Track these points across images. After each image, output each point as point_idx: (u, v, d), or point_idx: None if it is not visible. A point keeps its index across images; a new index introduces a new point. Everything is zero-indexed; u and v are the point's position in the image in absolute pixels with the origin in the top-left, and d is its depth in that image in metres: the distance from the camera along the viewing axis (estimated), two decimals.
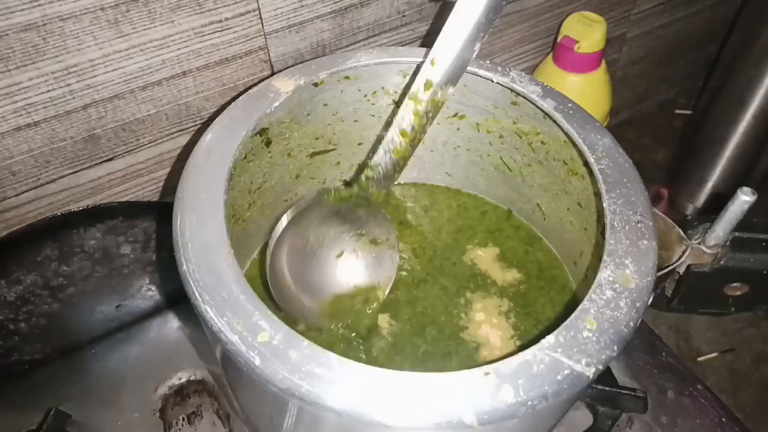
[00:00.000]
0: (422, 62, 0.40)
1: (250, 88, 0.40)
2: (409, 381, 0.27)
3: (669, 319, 0.74)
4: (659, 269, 0.33)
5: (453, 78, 0.37)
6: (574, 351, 0.28)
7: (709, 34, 0.89)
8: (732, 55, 0.71)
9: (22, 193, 0.45)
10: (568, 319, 0.29)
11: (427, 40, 0.58)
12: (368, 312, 0.41)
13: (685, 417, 0.49)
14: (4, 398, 0.48)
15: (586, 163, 0.38)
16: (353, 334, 0.41)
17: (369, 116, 0.47)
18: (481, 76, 0.41)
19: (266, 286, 0.40)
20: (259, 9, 0.45)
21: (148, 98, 0.46)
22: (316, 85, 0.41)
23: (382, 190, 0.42)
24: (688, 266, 0.35)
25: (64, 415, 0.47)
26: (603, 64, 0.63)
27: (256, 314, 0.28)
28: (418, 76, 0.37)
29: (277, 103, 0.39)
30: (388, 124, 0.47)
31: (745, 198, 0.31)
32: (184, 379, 0.50)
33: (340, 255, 0.42)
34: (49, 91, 0.41)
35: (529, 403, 0.27)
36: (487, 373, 0.27)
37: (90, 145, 0.46)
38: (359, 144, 0.49)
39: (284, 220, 0.41)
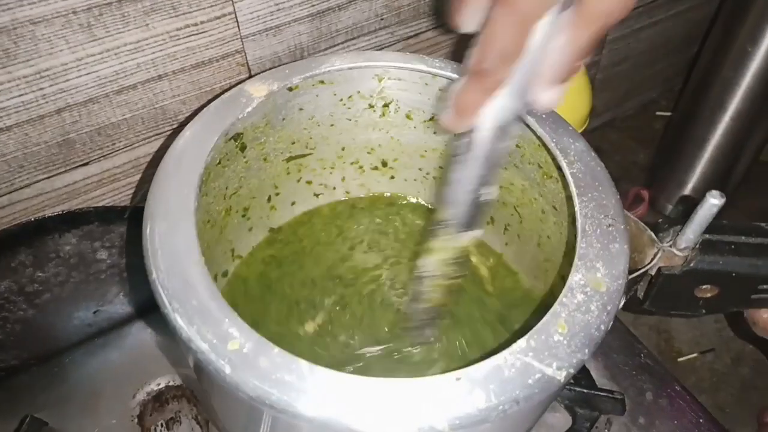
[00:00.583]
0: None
1: (227, 91, 0.40)
2: (380, 387, 0.27)
3: (650, 320, 0.75)
4: (631, 272, 0.33)
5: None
6: (545, 355, 0.28)
7: (689, 36, 0.89)
8: (710, 57, 0.71)
9: None
10: (539, 323, 0.29)
11: (406, 44, 0.58)
12: None
13: (663, 418, 0.49)
14: None
15: (559, 167, 0.38)
16: None
17: (345, 120, 0.47)
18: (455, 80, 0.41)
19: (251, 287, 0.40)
20: (235, 12, 0.45)
21: (124, 102, 0.45)
22: (290, 89, 0.41)
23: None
24: (659, 269, 0.35)
25: (40, 422, 0.46)
26: (582, 68, 0.63)
27: (226, 321, 0.28)
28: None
29: (249, 108, 0.38)
30: (364, 127, 0.47)
31: (713, 201, 0.32)
32: (162, 385, 0.50)
33: None
34: (21, 95, 0.41)
35: (501, 407, 0.27)
36: (458, 378, 0.27)
37: (65, 150, 0.45)
38: (342, 148, 0.49)
39: None
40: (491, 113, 0.30)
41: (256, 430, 0.33)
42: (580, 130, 0.53)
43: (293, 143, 0.46)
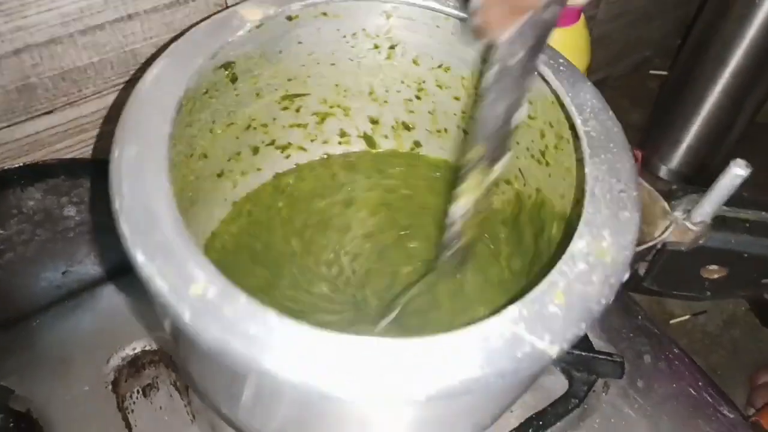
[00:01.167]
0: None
1: (217, 14, 0.36)
2: (355, 347, 0.24)
3: None
4: (639, 244, 0.30)
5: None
6: (537, 327, 0.25)
7: None
8: (713, 9, 0.69)
9: None
10: (534, 291, 0.26)
11: None
12: None
13: (662, 381, 0.48)
14: None
15: (572, 126, 0.35)
16: None
17: (347, 60, 0.43)
18: None
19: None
20: None
21: (90, 44, 0.41)
22: (290, 18, 0.37)
23: None
24: (664, 244, 0.32)
25: (7, 390, 0.43)
26: (582, 18, 0.60)
27: (191, 262, 0.25)
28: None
29: (241, 32, 0.35)
30: (367, 69, 0.44)
31: (738, 171, 0.28)
32: (138, 350, 0.47)
33: None
34: None
35: (484, 380, 0.24)
36: (441, 345, 0.24)
37: (25, 96, 0.41)
38: (345, 90, 0.46)
39: None
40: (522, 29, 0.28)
41: (228, 391, 0.30)
42: None
43: (289, 80, 0.42)
